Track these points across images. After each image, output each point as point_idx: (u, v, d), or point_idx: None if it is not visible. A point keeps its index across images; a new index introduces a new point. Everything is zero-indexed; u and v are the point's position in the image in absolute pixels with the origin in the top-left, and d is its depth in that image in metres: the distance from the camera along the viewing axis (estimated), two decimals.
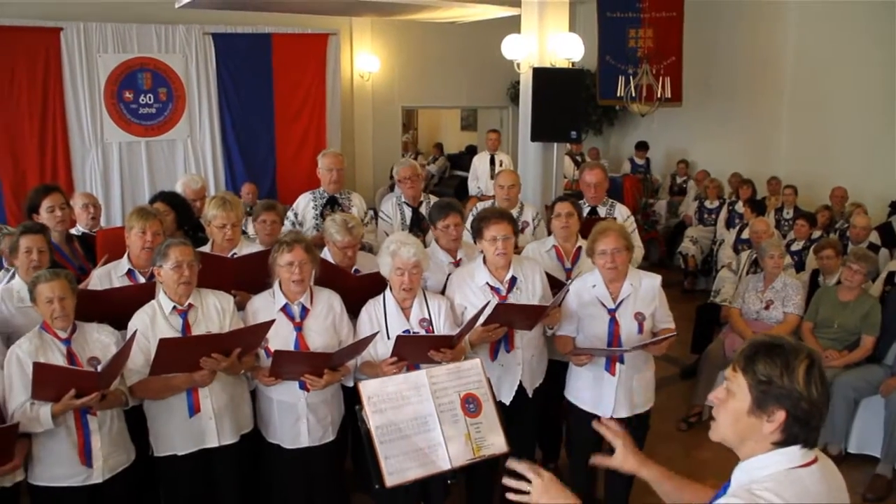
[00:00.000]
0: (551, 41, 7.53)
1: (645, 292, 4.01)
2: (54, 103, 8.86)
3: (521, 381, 4.08)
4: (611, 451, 3.66)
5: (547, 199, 7.46)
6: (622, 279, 3.99)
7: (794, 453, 1.77)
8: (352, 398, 3.96)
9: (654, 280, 4.07)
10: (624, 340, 3.93)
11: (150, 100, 9.34)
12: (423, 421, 2.78)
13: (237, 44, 9.73)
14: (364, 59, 10.95)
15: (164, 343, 3.27)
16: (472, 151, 13.60)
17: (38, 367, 3.14)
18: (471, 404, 2.91)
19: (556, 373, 4.36)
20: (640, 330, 3.94)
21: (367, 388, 2.79)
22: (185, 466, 3.64)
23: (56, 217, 4.39)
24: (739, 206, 8.87)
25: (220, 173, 9.74)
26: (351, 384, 3.88)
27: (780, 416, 1.76)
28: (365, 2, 8.02)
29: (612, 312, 3.97)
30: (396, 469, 2.66)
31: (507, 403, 4.02)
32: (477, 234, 4.11)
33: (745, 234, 7.68)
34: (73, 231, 4.67)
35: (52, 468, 3.36)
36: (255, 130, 9.94)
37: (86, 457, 3.37)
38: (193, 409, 3.56)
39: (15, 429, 3.17)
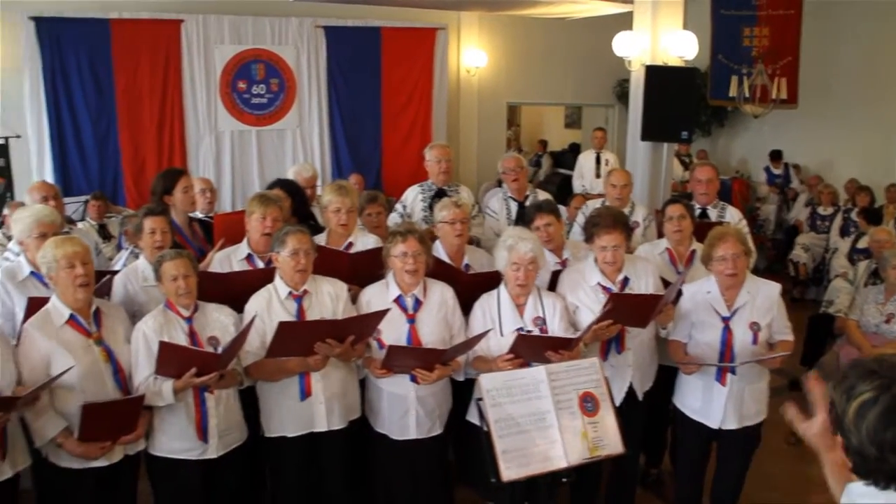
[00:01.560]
0: (664, 39, 7.34)
1: (762, 301, 3.86)
2: (173, 92, 9.22)
3: (630, 384, 3.99)
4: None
5: (655, 199, 7.29)
6: (739, 286, 3.85)
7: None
8: (459, 392, 4.00)
9: (772, 289, 3.92)
10: (737, 350, 3.80)
11: (262, 90, 9.60)
12: (542, 417, 2.76)
13: (347, 37, 9.89)
14: (471, 54, 10.93)
15: (283, 326, 3.33)
16: (575, 149, 13.45)
17: (163, 345, 3.24)
18: (588, 403, 2.86)
19: (666, 378, 4.25)
20: (755, 340, 3.80)
21: (488, 381, 2.78)
22: (294, 449, 3.70)
23: (189, 198, 4.52)
24: (855, 214, 8.47)
25: (328, 164, 9.91)
26: (462, 378, 3.88)
27: (840, 441, 1.70)
28: None
29: (725, 321, 3.84)
30: (514, 464, 2.64)
31: (617, 405, 3.93)
32: (588, 239, 4.04)
33: (861, 244, 7.33)
34: (191, 215, 4.81)
35: (171, 441, 3.48)
36: (362, 122, 10.08)
37: (202, 432, 3.47)
38: (305, 393, 3.62)
39: (140, 400, 3.30)
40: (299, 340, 3.41)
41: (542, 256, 3.80)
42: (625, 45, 7.43)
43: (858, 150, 9.95)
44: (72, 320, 3.32)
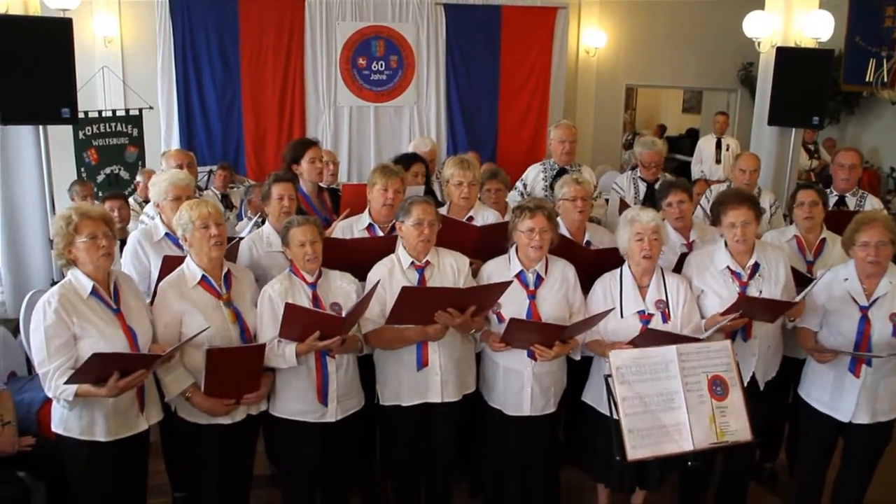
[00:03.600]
0: (798, 19, 7.03)
1: None
2: (295, 67, 9.42)
3: (753, 373, 3.83)
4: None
5: (780, 187, 7.01)
6: (881, 275, 3.64)
7: None
8: (573, 371, 3.95)
9: None
10: (874, 342, 3.60)
11: (381, 66, 9.69)
12: (670, 398, 2.69)
13: (468, 15, 9.86)
14: (591, 35, 10.73)
15: (405, 291, 3.35)
16: (692, 135, 13.05)
17: (289, 307, 3.32)
18: (718, 387, 2.77)
19: (787, 369, 4.08)
20: (895, 333, 3.59)
21: (617, 358, 2.73)
22: (408, 418, 3.74)
23: (316, 168, 4.60)
24: None
25: (443, 141, 9.93)
26: (578, 358, 3.83)
27: None
28: None
29: (864, 310, 3.64)
30: (640, 443, 2.58)
31: None
32: (715, 219, 3.91)
33: None
34: (321, 184, 4.91)
35: (292, 403, 3.57)
36: (479, 101, 10.06)
37: (323, 395, 3.54)
38: (422, 363, 3.64)
39: (262, 350, 3.39)
40: (421, 307, 3.42)
41: (664, 229, 3.71)
42: (756, 26, 7.15)
43: None
44: (203, 281, 3.44)
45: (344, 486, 3.93)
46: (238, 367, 3.40)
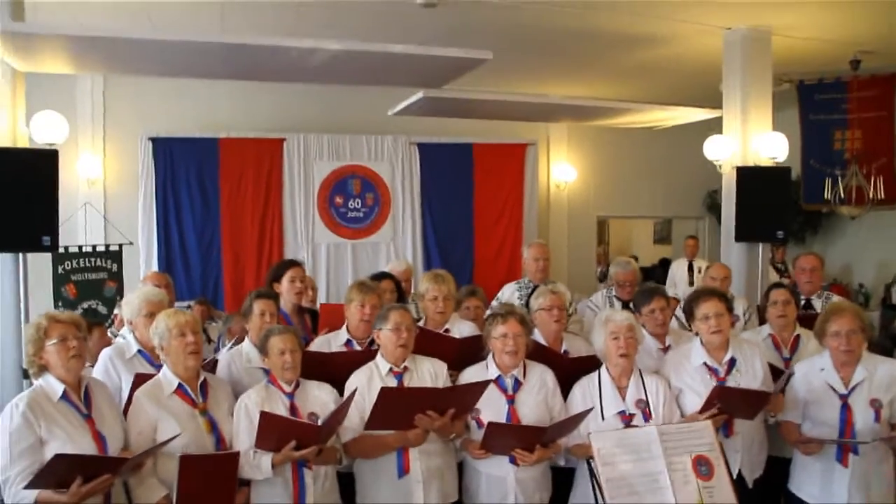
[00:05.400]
0: (754, 141, 7.40)
1: (881, 378, 3.68)
2: (273, 206, 9.61)
3: (740, 470, 3.77)
4: None
5: (752, 302, 7.12)
6: (855, 363, 3.69)
7: None
8: (558, 480, 3.87)
9: (892, 366, 3.75)
10: (858, 429, 3.60)
11: (358, 204, 9.92)
12: (654, 479, 2.66)
13: (440, 153, 10.21)
14: (560, 169, 11.14)
15: (384, 392, 3.34)
16: (665, 264, 13.28)
17: (264, 415, 3.28)
18: (703, 466, 2.74)
19: (776, 471, 4.03)
20: (877, 419, 3.59)
21: (598, 440, 2.70)
22: None
23: (295, 287, 4.68)
24: None
25: (419, 271, 10.04)
26: (562, 463, 3.78)
27: None
28: (564, 105, 8.23)
29: (843, 398, 3.66)
30: None
31: None
32: (689, 315, 3.99)
33: None
34: (301, 304, 4.95)
35: None
36: (454, 235, 10.25)
37: None
38: (403, 470, 3.56)
39: (236, 458, 3.30)
40: (400, 410, 3.40)
41: (639, 329, 3.75)
42: (715, 149, 7.49)
43: None
44: (180, 390, 3.41)
45: None
46: (212, 476, 3.29)
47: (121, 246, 8.36)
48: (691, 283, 8.89)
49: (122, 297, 8.02)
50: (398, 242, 10.07)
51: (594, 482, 2.63)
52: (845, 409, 3.62)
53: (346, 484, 3.73)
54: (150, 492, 3.26)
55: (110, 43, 5.41)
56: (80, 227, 8.90)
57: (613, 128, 10.71)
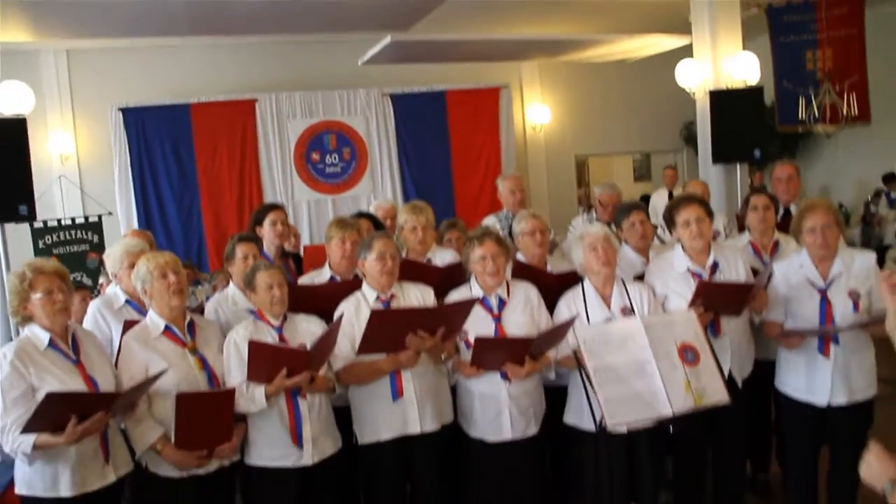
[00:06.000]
0: (726, 64, 7.42)
1: (858, 270, 3.72)
2: (250, 167, 9.60)
3: (730, 370, 3.84)
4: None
5: (729, 226, 7.20)
6: (832, 257, 3.73)
7: None
8: (552, 397, 3.92)
9: (868, 257, 3.80)
10: (838, 321, 3.65)
11: (335, 159, 9.91)
12: (641, 367, 2.70)
13: (414, 102, 10.18)
14: (535, 111, 11.12)
15: (375, 315, 3.36)
16: (646, 200, 13.34)
17: (253, 345, 3.30)
18: (689, 353, 2.78)
19: (765, 373, 4.09)
20: (856, 309, 3.65)
21: (582, 332, 2.74)
22: (388, 454, 3.66)
23: (276, 230, 4.67)
24: None
25: None
26: (553, 377, 3.82)
27: None
28: (535, 41, 8.21)
29: (822, 292, 3.71)
30: (617, 412, 2.56)
31: None
32: (670, 222, 4.01)
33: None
34: (286, 247, 4.95)
35: (266, 449, 3.48)
36: (433, 183, 10.25)
37: (297, 438, 3.46)
38: (397, 393, 3.59)
39: (232, 395, 3.32)
40: (391, 332, 3.40)
41: (615, 240, 3.79)
42: (687, 74, 7.50)
43: None
44: (167, 331, 3.41)
45: None
46: (209, 414, 3.32)
47: (100, 217, 8.31)
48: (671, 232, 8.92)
49: (102, 269, 8.01)
50: (378, 195, 10.06)
51: (582, 374, 2.66)
52: (825, 302, 3.67)
53: (342, 418, 3.76)
54: (148, 433, 3.28)
55: (68, 7, 5.33)
56: (57, 201, 8.85)
57: (585, 65, 10.69)
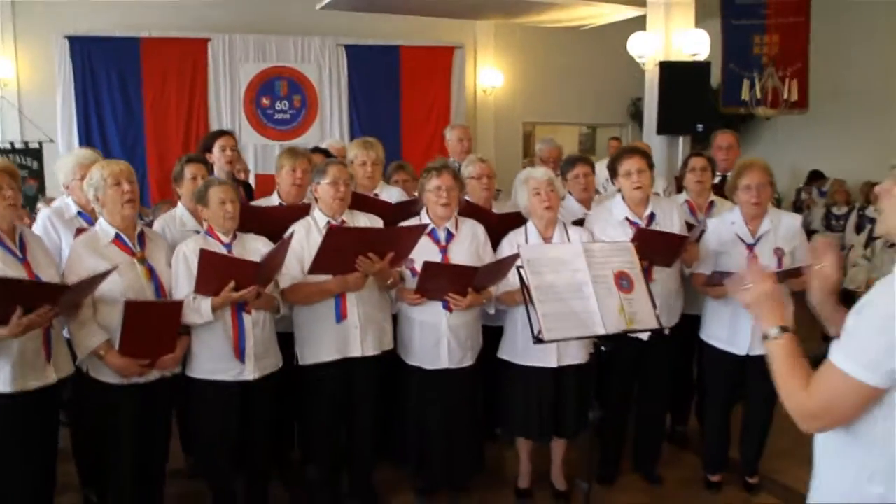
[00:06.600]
0: (677, 37, 7.63)
1: (785, 231, 3.96)
2: (199, 107, 9.50)
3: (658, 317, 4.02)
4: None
5: (668, 191, 7.44)
6: (762, 216, 3.95)
7: None
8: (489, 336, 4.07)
9: (794, 219, 4.05)
10: None
11: (285, 106, 9.86)
12: (578, 288, 2.85)
13: (368, 55, 10.18)
14: (487, 74, 11.19)
15: (331, 230, 3.45)
16: None
17: (204, 253, 3.34)
18: (624, 281, 2.94)
19: (690, 325, 4.31)
20: (780, 266, 3.87)
21: (527, 251, 2.89)
22: (329, 375, 3.75)
23: (226, 156, 4.69)
24: (871, 212, 8.56)
25: None
26: (492, 311, 3.96)
27: None
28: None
29: (750, 248, 3.92)
30: (554, 326, 2.72)
31: (645, 339, 3.99)
32: (613, 173, 4.17)
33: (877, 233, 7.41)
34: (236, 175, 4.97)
35: (209, 362, 3.55)
36: (382, 139, 10.07)
37: (240, 352, 3.53)
38: (341, 316, 3.68)
39: (180, 306, 3.38)
40: (342, 252, 3.47)
41: (558, 182, 3.92)
42: (639, 45, 7.68)
43: (872, 154, 10.05)
44: (117, 239, 3.43)
45: (265, 469, 3.93)
46: (155, 323, 3.36)
47: (41, 143, 8.14)
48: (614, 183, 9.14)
49: (44, 195, 7.87)
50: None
51: (523, 287, 2.80)
52: (751, 257, 3.88)
53: (282, 344, 3.83)
54: (91, 337, 3.30)
55: None
56: None
57: (540, 30, 10.79)
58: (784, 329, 1.87)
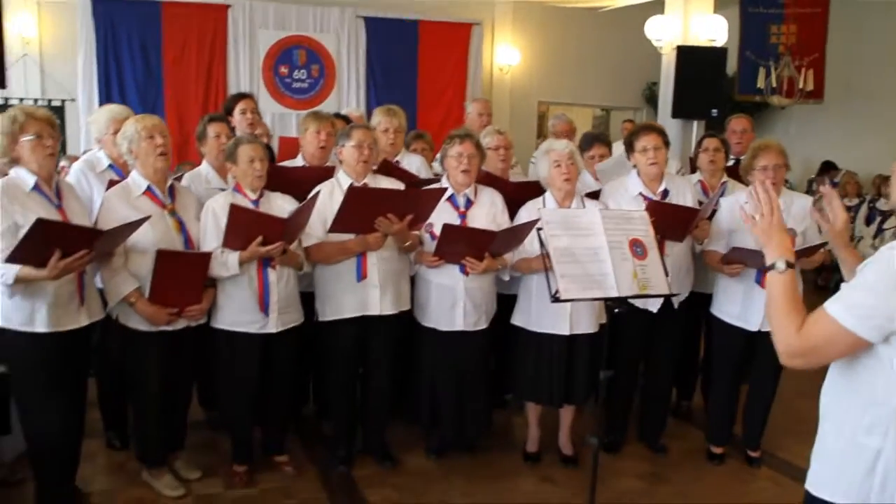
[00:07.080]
0: (695, 22, 7.67)
1: (797, 211, 4.02)
2: (218, 73, 9.59)
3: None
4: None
5: (682, 172, 7.52)
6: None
7: None
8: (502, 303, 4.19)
9: (806, 200, 4.10)
10: None
11: (303, 75, 9.95)
12: (595, 252, 2.96)
13: (386, 28, 10.25)
14: (504, 52, 11.23)
15: (352, 190, 3.54)
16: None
17: (234, 208, 3.46)
18: (638, 248, 3.05)
19: (699, 301, 4.41)
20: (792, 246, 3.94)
21: (547, 214, 3.00)
22: (348, 331, 3.87)
23: (247, 119, 4.76)
24: (881, 204, 8.64)
25: None
26: (507, 278, 4.07)
27: None
28: None
29: None
30: (571, 286, 2.83)
31: (655, 311, 4.10)
32: (629, 147, 4.25)
33: (886, 225, 7.51)
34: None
35: (234, 314, 3.68)
36: None
37: (264, 305, 3.66)
38: (361, 275, 3.80)
39: (209, 258, 3.51)
40: (364, 212, 3.58)
41: (579, 157, 4.01)
42: (657, 29, 7.73)
43: (885, 145, 10.10)
44: (149, 191, 3.54)
45: (283, 420, 4.07)
46: (184, 273, 3.50)
47: (63, 102, 8.23)
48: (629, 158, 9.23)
49: (64, 152, 7.97)
50: None
51: (543, 249, 2.92)
52: None
53: (303, 302, 3.95)
54: (122, 284, 3.44)
55: None
56: (17, 80, 8.68)
57: (559, 10, 10.81)
58: (790, 265, 1.98)
